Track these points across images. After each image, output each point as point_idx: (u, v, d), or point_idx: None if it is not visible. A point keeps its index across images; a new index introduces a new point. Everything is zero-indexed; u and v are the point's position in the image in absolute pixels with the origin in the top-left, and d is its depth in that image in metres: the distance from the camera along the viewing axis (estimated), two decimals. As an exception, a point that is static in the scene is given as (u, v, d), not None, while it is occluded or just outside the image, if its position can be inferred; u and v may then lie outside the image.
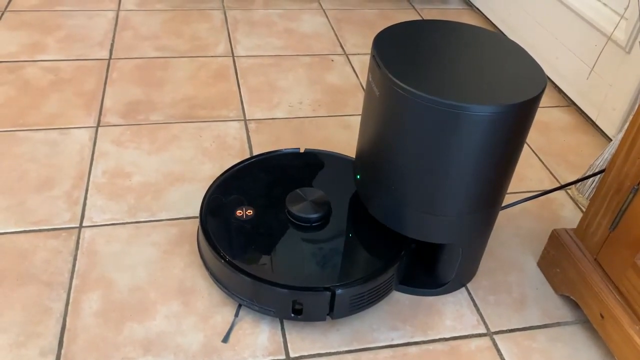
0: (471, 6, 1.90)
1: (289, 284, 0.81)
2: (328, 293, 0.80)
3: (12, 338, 0.80)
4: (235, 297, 0.85)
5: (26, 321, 0.82)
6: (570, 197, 1.15)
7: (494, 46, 0.82)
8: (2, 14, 1.60)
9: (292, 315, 0.82)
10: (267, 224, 0.90)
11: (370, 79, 0.79)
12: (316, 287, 0.81)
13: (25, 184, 1.05)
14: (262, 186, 0.97)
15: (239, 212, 0.91)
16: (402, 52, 0.78)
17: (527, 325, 0.89)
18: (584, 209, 1.11)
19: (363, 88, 1.43)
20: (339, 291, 0.80)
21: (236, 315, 0.85)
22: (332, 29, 1.69)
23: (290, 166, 1.02)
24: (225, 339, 0.82)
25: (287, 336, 0.84)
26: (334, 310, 0.82)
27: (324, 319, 0.83)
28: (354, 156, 0.94)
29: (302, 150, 1.06)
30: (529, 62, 0.78)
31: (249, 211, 0.91)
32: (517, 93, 0.72)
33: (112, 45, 1.50)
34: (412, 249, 0.91)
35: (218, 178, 0.98)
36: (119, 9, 1.68)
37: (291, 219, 0.90)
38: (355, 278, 0.82)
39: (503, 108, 0.70)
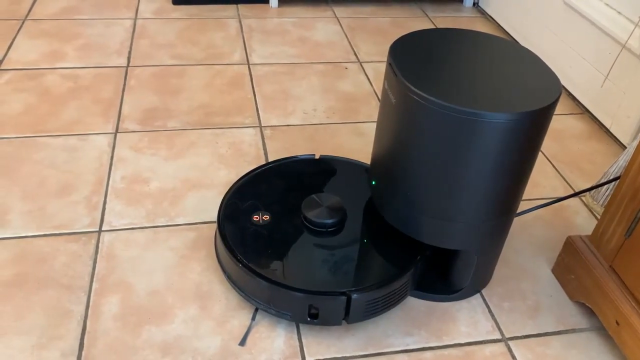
0: (484, 14, 1.91)
1: (305, 288, 0.82)
2: (344, 298, 0.81)
3: (34, 340, 0.82)
4: (252, 300, 0.86)
5: (47, 324, 0.84)
6: (585, 205, 1.15)
7: (509, 54, 0.82)
8: (23, 23, 1.63)
9: (308, 319, 0.83)
10: (283, 229, 0.91)
11: (386, 87, 0.81)
12: (332, 292, 0.82)
13: (45, 189, 1.07)
14: (278, 192, 0.98)
15: (255, 217, 0.92)
16: (418, 60, 0.79)
17: (542, 332, 0.89)
18: (598, 217, 1.11)
19: (377, 95, 1.44)
20: (354, 296, 0.81)
21: (253, 319, 0.86)
22: (346, 37, 1.71)
23: (305, 172, 1.03)
24: (242, 342, 0.83)
25: (303, 340, 0.85)
26: (349, 315, 0.83)
27: (339, 324, 0.84)
28: (368, 162, 0.95)
29: (317, 157, 1.07)
30: (544, 69, 0.79)
31: (265, 216, 0.93)
32: (532, 100, 0.73)
33: (129, 53, 1.53)
34: (428, 255, 0.91)
35: (235, 183, 1.00)
36: (136, 18, 1.71)
37: (307, 224, 0.91)
38: (370, 283, 0.83)
39: (518, 115, 0.71)
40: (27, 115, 1.26)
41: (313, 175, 1.03)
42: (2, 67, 1.42)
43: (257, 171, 1.03)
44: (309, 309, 0.82)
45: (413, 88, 0.73)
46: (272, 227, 0.91)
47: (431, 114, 0.72)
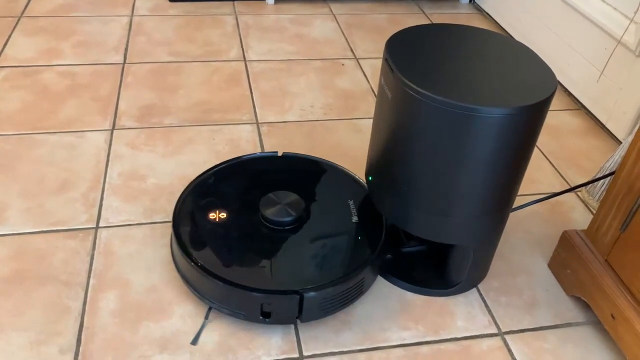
0: (481, 11, 1.91)
1: (257, 287, 0.81)
2: (296, 296, 0.80)
3: (32, 336, 0.82)
4: (205, 300, 0.85)
5: (46, 320, 0.84)
6: (581, 200, 1.15)
7: (505, 49, 0.83)
8: (19, 20, 1.63)
9: (261, 318, 0.82)
10: (239, 227, 0.90)
11: (382, 82, 0.81)
12: (284, 291, 0.81)
13: (43, 186, 1.07)
14: (237, 189, 0.97)
15: (211, 215, 0.91)
16: (414, 55, 0.79)
17: (538, 326, 0.90)
18: (594, 212, 1.11)
19: (374, 92, 1.44)
20: (307, 294, 0.80)
21: (206, 317, 0.85)
22: (343, 33, 1.71)
23: (267, 169, 1.02)
24: (194, 342, 0.82)
25: (300, 335, 0.85)
26: (302, 314, 0.82)
27: (293, 322, 0.84)
28: (364, 160, 0.96)
29: (280, 154, 1.06)
30: (540, 64, 0.80)
31: (222, 214, 0.91)
32: (528, 95, 0.73)
33: (126, 50, 1.53)
34: (388, 257, 0.93)
35: (194, 180, 0.98)
36: (132, 15, 1.71)
37: (264, 222, 0.90)
38: (324, 282, 0.82)
39: (514, 110, 0.71)
40: (25, 112, 1.26)
41: (275, 173, 1.01)
42: (-2, 65, 1.42)
43: (217, 168, 1.01)
44: (262, 307, 0.81)
45: (409, 83, 0.73)
46: (228, 225, 0.90)
47: (427, 109, 0.73)
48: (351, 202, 0.96)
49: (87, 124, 1.24)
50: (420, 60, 0.79)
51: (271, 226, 0.90)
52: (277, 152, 1.06)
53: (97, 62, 1.47)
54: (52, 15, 1.67)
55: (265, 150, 1.21)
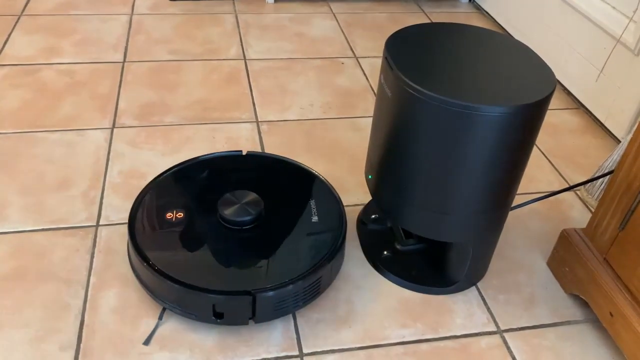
0: (480, 10, 1.91)
1: (209, 287, 0.80)
2: (248, 297, 0.80)
3: (32, 333, 0.82)
4: (158, 300, 0.84)
5: (46, 317, 0.84)
6: (579, 198, 1.16)
7: (504, 48, 0.83)
8: (18, 18, 1.63)
9: (214, 319, 0.81)
10: (196, 227, 0.89)
11: (382, 81, 0.81)
12: (236, 292, 0.80)
13: (43, 184, 1.07)
14: (198, 189, 0.96)
15: (169, 215, 0.90)
16: (413, 54, 0.79)
17: (537, 324, 0.90)
18: (592, 210, 1.12)
19: (373, 90, 1.45)
20: (259, 295, 0.80)
21: (160, 318, 0.84)
22: (342, 32, 1.71)
23: (230, 168, 1.01)
24: (146, 342, 0.82)
25: (300, 332, 0.85)
26: (256, 314, 0.82)
27: (246, 323, 0.83)
28: (364, 158, 0.96)
29: (244, 153, 1.05)
30: (539, 63, 0.80)
31: (179, 214, 0.90)
32: (527, 94, 0.73)
33: (126, 48, 1.53)
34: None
35: (154, 179, 0.97)
36: (132, 13, 1.71)
37: (221, 222, 0.89)
38: (278, 282, 0.81)
39: (513, 109, 0.71)
40: (24, 110, 1.26)
41: (239, 172, 1.00)
42: (-2, 63, 1.42)
43: (179, 167, 1.00)
44: (214, 308, 0.80)
45: (409, 81, 0.73)
46: (184, 225, 0.89)
47: (426, 107, 0.73)
48: (313, 202, 0.95)
49: (87, 122, 1.24)
50: (420, 58, 0.79)
51: (228, 226, 0.88)
52: (241, 150, 1.04)
53: (96, 60, 1.47)
54: (51, 13, 1.67)
55: (265, 149, 1.21)
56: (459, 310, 0.91)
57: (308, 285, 0.83)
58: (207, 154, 1.03)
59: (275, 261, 0.85)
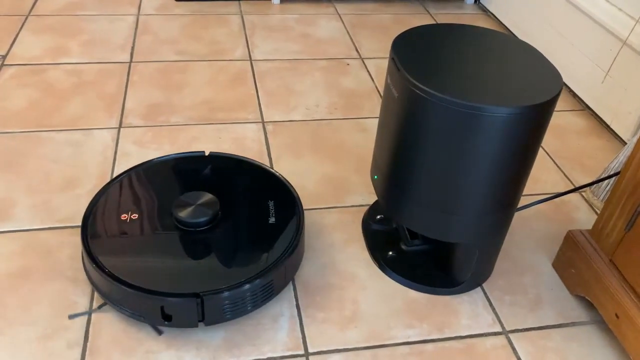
0: (486, 11, 1.91)
1: (157, 289, 0.79)
2: (195, 299, 0.79)
3: (39, 331, 0.82)
4: (108, 302, 0.84)
5: (53, 315, 0.85)
6: (585, 200, 1.16)
7: (511, 49, 0.83)
8: (26, 18, 1.64)
9: (163, 321, 0.81)
10: (150, 229, 0.88)
11: (388, 81, 0.81)
12: (184, 294, 0.79)
13: (50, 183, 1.08)
14: (156, 190, 0.95)
15: (123, 217, 0.89)
16: (420, 54, 0.80)
17: (542, 325, 0.90)
18: (598, 212, 1.12)
19: (378, 91, 1.45)
20: (207, 297, 0.79)
21: (98, 308, 0.84)
22: (348, 33, 1.71)
23: (192, 169, 1.00)
24: (71, 316, 0.82)
25: (306, 332, 0.85)
26: (205, 317, 0.81)
27: (195, 326, 0.82)
28: (370, 158, 0.96)
29: (207, 153, 1.04)
30: (545, 64, 0.80)
31: (134, 215, 0.90)
32: (534, 95, 0.73)
33: (132, 49, 1.53)
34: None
35: (112, 180, 0.97)
36: (139, 14, 1.72)
37: (175, 223, 0.88)
38: (228, 284, 0.80)
39: (520, 109, 0.71)
40: (32, 110, 1.27)
41: (199, 173, 1.00)
42: (6, 63, 1.43)
43: (140, 167, 1.00)
44: (162, 310, 0.80)
45: (415, 82, 0.73)
46: (138, 227, 0.88)
47: (433, 108, 0.73)
48: (271, 203, 0.94)
49: (93, 121, 1.25)
50: (427, 59, 0.79)
51: (183, 227, 0.88)
52: (204, 151, 1.04)
53: (103, 60, 1.47)
54: (59, 14, 1.68)
55: (271, 149, 1.22)
56: (465, 311, 0.91)
57: (259, 288, 0.83)
58: (170, 155, 1.03)
59: (227, 263, 0.84)
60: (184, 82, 1.41)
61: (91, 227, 0.88)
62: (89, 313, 0.84)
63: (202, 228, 0.88)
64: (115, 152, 1.17)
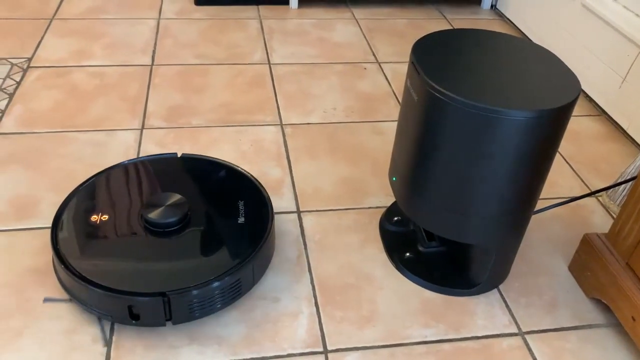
0: (502, 16, 1.92)
1: (123, 289, 0.80)
2: (162, 298, 0.80)
3: (65, 325, 0.85)
4: (76, 302, 0.85)
5: (78, 310, 0.87)
6: (601, 204, 1.16)
7: (528, 53, 0.84)
8: (50, 22, 1.68)
9: (131, 320, 0.82)
10: (120, 230, 0.89)
11: (408, 85, 0.83)
12: (150, 293, 0.80)
13: (74, 181, 1.10)
14: (127, 191, 0.96)
15: (93, 218, 0.91)
16: (439, 58, 0.81)
17: (559, 327, 0.91)
18: (614, 216, 1.12)
19: (395, 95, 1.46)
20: (173, 296, 0.80)
21: (65, 300, 0.86)
22: (365, 38, 1.73)
23: (164, 171, 1.02)
24: (46, 300, 0.84)
25: (325, 330, 0.87)
26: (172, 316, 0.82)
27: (163, 325, 0.83)
28: (388, 161, 0.98)
29: (179, 155, 1.05)
30: (563, 69, 0.81)
31: (104, 217, 0.91)
32: (552, 99, 0.75)
33: (154, 52, 1.56)
34: (253, 261, 0.91)
35: (83, 183, 0.98)
36: (159, 18, 1.75)
37: (144, 224, 0.90)
38: (194, 283, 0.81)
39: (539, 113, 0.73)
40: (57, 111, 1.30)
41: (171, 174, 1.01)
42: (32, 65, 1.46)
43: (111, 170, 1.01)
44: (130, 310, 0.81)
45: (435, 85, 0.75)
46: (107, 228, 0.89)
47: (452, 111, 0.75)
48: (241, 203, 0.95)
49: (116, 123, 1.28)
50: (446, 63, 0.81)
51: (152, 228, 0.89)
52: (176, 153, 1.05)
53: (125, 63, 1.51)
54: (82, 17, 1.72)
55: (289, 151, 1.23)
56: (481, 312, 0.92)
57: (227, 287, 0.84)
58: (142, 157, 1.04)
59: (196, 263, 0.86)
60: (204, 85, 1.44)
61: (61, 229, 0.89)
62: (63, 301, 0.85)
63: (171, 228, 0.89)
64: (138, 153, 1.19)
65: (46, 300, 0.84)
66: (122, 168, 1.02)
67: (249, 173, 1.03)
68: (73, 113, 1.30)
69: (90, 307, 0.84)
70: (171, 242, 0.89)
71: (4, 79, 1.40)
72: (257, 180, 1.01)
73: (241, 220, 0.93)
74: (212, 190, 0.99)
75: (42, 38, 1.59)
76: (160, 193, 0.94)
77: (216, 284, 0.83)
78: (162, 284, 0.82)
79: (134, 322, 0.82)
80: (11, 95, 1.34)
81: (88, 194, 0.96)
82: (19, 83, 1.39)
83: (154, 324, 0.84)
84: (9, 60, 1.48)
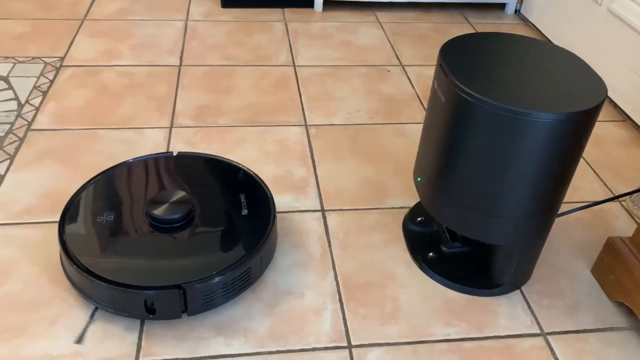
0: (526, 21, 1.93)
1: (139, 284, 0.82)
2: (178, 290, 0.82)
3: (100, 314, 0.88)
4: (90, 301, 0.87)
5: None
6: (625, 209, 1.16)
7: (555, 57, 0.85)
8: (82, 23, 1.72)
9: (147, 314, 0.84)
10: (126, 228, 0.92)
11: (435, 87, 0.84)
12: (166, 286, 0.82)
13: (106, 177, 1.14)
14: (129, 191, 0.99)
15: (99, 218, 0.93)
16: (467, 61, 0.83)
17: (581, 329, 0.91)
18: (638, 221, 1.12)
19: (419, 98, 1.48)
20: (189, 287, 0.82)
21: (91, 317, 0.87)
22: (389, 41, 1.75)
23: (162, 169, 1.04)
24: (78, 340, 0.84)
25: (349, 325, 0.89)
26: (188, 308, 0.84)
27: (179, 317, 0.85)
28: (412, 163, 0.99)
29: (175, 154, 1.07)
30: (589, 73, 0.82)
31: (109, 216, 0.93)
32: (578, 102, 0.76)
33: (181, 53, 1.60)
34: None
35: (86, 183, 1.00)
36: (187, 20, 1.78)
37: (150, 221, 0.92)
38: (206, 275, 0.84)
39: (566, 116, 0.74)
40: (88, 109, 1.34)
41: (170, 172, 1.03)
42: (64, 64, 1.51)
43: (111, 170, 1.03)
44: (146, 304, 0.83)
45: (463, 87, 0.76)
46: (115, 226, 0.91)
47: (480, 112, 0.76)
48: (243, 196, 0.98)
49: (145, 121, 1.31)
50: (473, 65, 0.82)
51: (158, 224, 0.91)
52: (172, 152, 1.08)
53: (153, 63, 1.54)
54: (111, 18, 1.76)
55: (314, 152, 1.26)
56: (503, 312, 0.93)
57: (237, 276, 0.87)
58: (139, 157, 1.06)
59: (205, 255, 0.88)
60: (231, 85, 1.47)
61: (69, 230, 0.90)
62: (86, 326, 0.86)
63: (177, 224, 0.92)
64: (167, 150, 1.22)
65: (79, 341, 0.84)
66: (121, 169, 1.03)
67: (246, 167, 1.06)
68: (104, 111, 1.34)
69: (104, 305, 0.85)
70: (179, 237, 0.91)
71: (38, 77, 1.44)
72: (254, 172, 1.04)
73: (244, 212, 0.96)
74: (213, 185, 1.02)
75: (73, 38, 1.63)
76: (164, 190, 0.97)
77: (229, 273, 0.85)
78: (175, 277, 0.84)
79: (150, 316, 0.84)
80: (45, 93, 1.38)
81: (90, 195, 0.98)
82: (52, 81, 1.43)
83: (169, 317, 0.86)
84: (43, 59, 1.52)
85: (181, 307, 0.84)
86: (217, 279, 0.84)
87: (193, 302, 0.85)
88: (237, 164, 1.06)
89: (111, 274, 0.84)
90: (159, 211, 0.92)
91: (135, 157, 1.07)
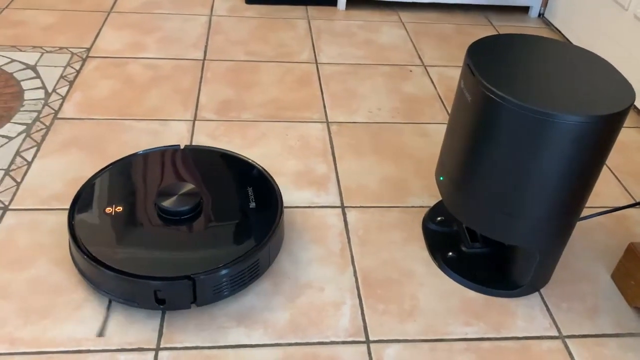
0: (549, 25, 1.92)
1: (148, 275, 0.83)
2: (187, 281, 0.83)
3: (119, 307, 0.89)
4: (101, 292, 0.87)
5: (134, 287, 0.91)
6: (647, 216, 1.16)
7: (582, 60, 0.85)
8: (108, 15, 1.74)
9: (157, 305, 0.85)
10: (135, 219, 0.93)
11: (462, 86, 0.85)
12: (175, 277, 0.83)
13: (130, 167, 1.16)
14: (137, 183, 1.00)
15: (108, 209, 0.93)
16: (494, 61, 0.83)
17: (599, 333, 0.91)
18: (660, 228, 1.12)
19: (440, 98, 1.48)
20: (199, 278, 0.83)
21: (107, 309, 0.88)
22: (411, 41, 1.75)
23: (169, 162, 1.05)
24: (100, 333, 0.84)
25: (367, 321, 0.90)
26: (197, 298, 0.85)
27: (188, 307, 0.86)
28: (435, 164, 0.99)
29: (182, 147, 1.08)
30: (617, 77, 0.82)
31: (118, 207, 0.93)
32: (605, 105, 0.76)
33: (206, 47, 1.62)
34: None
35: (94, 175, 1.01)
36: (211, 15, 1.80)
37: (159, 213, 0.93)
38: (216, 265, 0.85)
39: (592, 118, 0.74)
40: (113, 99, 1.36)
41: (178, 165, 1.04)
42: (90, 55, 1.53)
43: (119, 162, 1.04)
44: (155, 294, 0.84)
45: (490, 87, 0.77)
46: (124, 218, 0.92)
47: (506, 113, 0.76)
48: (250, 189, 0.99)
49: (170, 113, 1.33)
50: (500, 66, 0.82)
51: (167, 216, 0.92)
52: (179, 145, 1.09)
53: (178, 57, 1.56)
54: (137, 11, 1.78)
55: (335, 148, 1.26)
56: (521, 314, 0.93)
57: (246, 267, 0.88)
58: (147, 149, 1.07)
59: (214, 246, 0.90)
60: (254, 81, 1.48)
61: (78, 223, 0.91)
62: (105, 319, 0.87)
63: (186, 216, 0.93)
64: (190, 143, 1.24)
65: (100, 334, 0.85)
66: (129, 161, 1.04)
67: (252, 160, 1.07)
68: (129, 102, 1.36)
69: (114, 295, 0.87)
70: (188, 229, 0.92)
71: (65, 67, 1.47)
72: (261, 166, 1.05)
73: (252, 205, 0.97)
74: (221, 178, 1.03)
75: (100, 30, 1.66)
76: (172, 182, 0.98)
77: (238, 265, 0.86)
78: (184, 268, 0.85)
79: (161, 307, 0.85)
80: (71, 83, 1.41)
81: (98, 187, 0.98)
82: (78, 72, 1.45)
83: (179, 307, 0.87)
84: (70, 49, 1.55)
85: (190, 298, 0.86)
86: (226, 270, 0.85)
87: (202, 293, 0.86)
88: (244, 158, 1.07)
89: (121, 264, 0.85)
90: (168, 203, 0.93)
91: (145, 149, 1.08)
